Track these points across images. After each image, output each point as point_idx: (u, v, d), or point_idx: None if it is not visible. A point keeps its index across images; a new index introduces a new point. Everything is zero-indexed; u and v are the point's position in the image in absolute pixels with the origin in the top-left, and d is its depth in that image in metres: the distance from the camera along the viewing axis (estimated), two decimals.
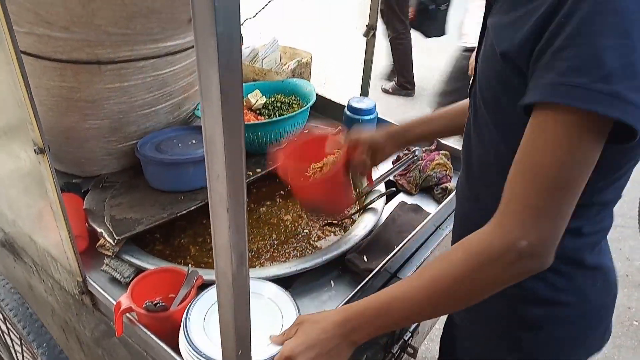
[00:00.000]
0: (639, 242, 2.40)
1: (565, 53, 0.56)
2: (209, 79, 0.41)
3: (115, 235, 1.08)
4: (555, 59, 0.57)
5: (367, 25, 1.52)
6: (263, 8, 1.65)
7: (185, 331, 0.84)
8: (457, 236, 0.97)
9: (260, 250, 1.22)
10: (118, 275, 1.06)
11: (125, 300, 0.89)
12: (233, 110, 0.41)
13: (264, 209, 1.37)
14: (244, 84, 1.62)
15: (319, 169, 1.17)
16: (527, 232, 0.60)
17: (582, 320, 0.81)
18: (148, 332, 0.88)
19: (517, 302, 0.82)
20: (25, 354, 1.28)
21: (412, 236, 1.16)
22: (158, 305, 0.88)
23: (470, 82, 0.82)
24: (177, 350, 0.85)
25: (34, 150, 0.82)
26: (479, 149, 0.80)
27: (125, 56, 1.07)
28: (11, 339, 1.33)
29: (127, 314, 0.92)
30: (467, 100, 0.91)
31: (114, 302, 0.92)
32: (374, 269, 1.07)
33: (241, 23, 1.48)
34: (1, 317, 1.30)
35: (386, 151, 1.13)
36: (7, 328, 1.33)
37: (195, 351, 0.80)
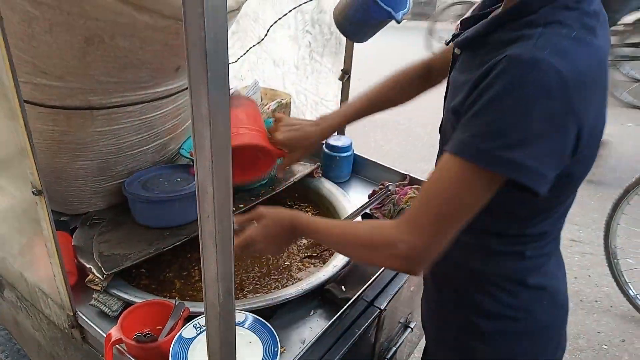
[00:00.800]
0: (606, 269, 2.51)
1: (478, 120, 0.69)
2: (201, 132, 0.49)
3: (104, 271, 1.13)
4: (470, 122, 0.70)
5: (342, 70, 1.64)
6: (244, 54, 1.75)
7: (174, 358, 0.89)
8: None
9: (244, 282, 1.28)
10: (107, 309, 1.11)
11: (115, 332, 0.94)
12: (223, 163, 0.49)
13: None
14: None
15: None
16: (409, 238, 0.75)
17: (530, 337, 0.90)
18: None
19: (471, 314, 0.91)
20: None
21: None
22: (147, 336, 0.93)
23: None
24: None
25: (32, 192, 0.89)
26: None
27: (116, 102, 1.14)
28: None
29: (117, 346, 0.96)
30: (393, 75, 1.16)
31: (104, 335, 0.97)
32: (352, 298, 1.14)
33: None
34: None
35: (311, 139, 1.17)
36: None
37: None
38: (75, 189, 1.33)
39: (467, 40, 0.81)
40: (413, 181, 1.62)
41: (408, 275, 1.33)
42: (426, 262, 0.76)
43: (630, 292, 2.44)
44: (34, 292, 1.13)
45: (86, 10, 0.93)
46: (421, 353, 1.22)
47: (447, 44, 0.91)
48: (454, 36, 0.87)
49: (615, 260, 2.45)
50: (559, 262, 0.94)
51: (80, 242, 1.26)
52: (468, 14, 0.88)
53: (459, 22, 0.88)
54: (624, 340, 2.31)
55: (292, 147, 1.17)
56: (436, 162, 0.96)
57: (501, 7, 0.79)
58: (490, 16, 0.79)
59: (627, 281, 2.46)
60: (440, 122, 0.89)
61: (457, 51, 0.85)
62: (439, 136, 0.91)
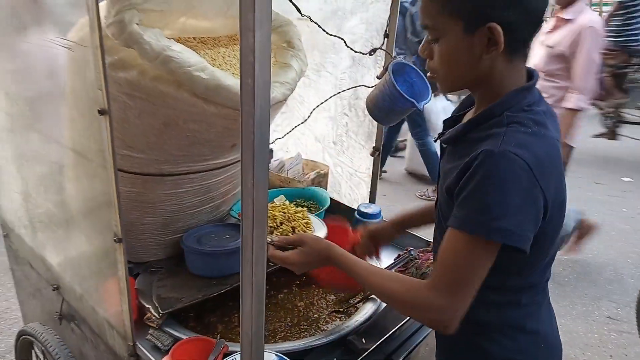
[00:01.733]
0: None
1: (469, 201, 0.88)
2: (248, 196, 0.71)
3: (160, 310, 1.34)
4: (463, 203, 0.89)
5: (373, 147, 1.87)
6: (290, 131, 2.03)
7: None
8: None
9: (276, 330, 1.45)
10: (159, 343, 1.31)
11: None
12: (261, 221, 0.70)
13: (281, 295, 1.61)
14: (270, 190, 1.95)
15: None
16: (440, 303, 0.91)
17: None
18: None
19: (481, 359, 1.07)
20: None
21: (405, 322, 1.38)
22: None
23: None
24: None
25: (114, 239, 1.13)
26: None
27: (183, 170, 1.41)
28: None
29: None
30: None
31: None
32: (369, 349, 1.29)
33: (273, 141, 1.93)
34: None
35: (385, 237, 1.46)
36: None
37: None
38: (141, 240, 1.58)
39: (450, 138, 1.02)
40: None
41: (429, 331, 1.47)
42: (457, 320, 0.91)
43: None
44: (102, 325, 1.35)
45: (168, 102, 1.21)
46: None
47: (435, 140, 1.15)
48: (440, 135, 1.09)
49: None
50: (550, 310, 1.11)
51: (142, 286, 1.49)
52: (448, 116, 1.12)
53: (442, 121, 1.13)
54: None
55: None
56: (435, 231, 1.15)
57: (474, 111, 1.03)
58: (467, 120, 1.01)
59: None
60: (436, 200, 1.10)
61: (444, 145, 1.07)
62: (436, 211, 1.11)
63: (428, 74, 1.04)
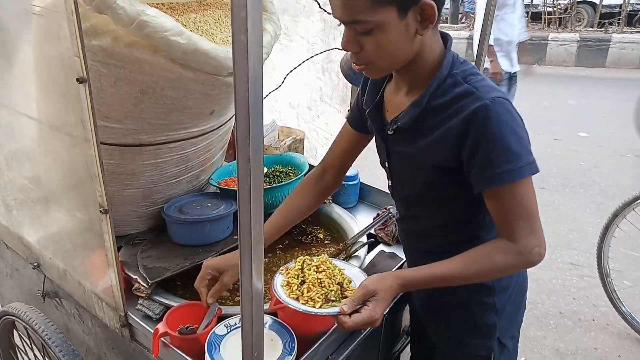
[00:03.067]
0: (603, 290, 2.65)
1: (493, 155, 0.94)
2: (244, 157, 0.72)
3: (148, 280, 1.35)
4: (485, 159, 0.95)
5: (348, 110, 1.88)
6: (264, 97, 2.01)
7: (208, 349, 1.09)
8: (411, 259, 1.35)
9: (265, 293, 1.48)
10: (150, 312, 1.31)
11: (161, 326, 1.15)
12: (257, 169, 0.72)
13: (266, 259, 1.64)
14: None
15: None
16: (536, 242, 0.99)
17: (516, 300, 1.20)
18: (181, 352, 1.13)
19: (475, 294, 1.17)
20: None
21: None
22: (189, 328, 1.14)
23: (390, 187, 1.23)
24: None
25: (100, 210, 1.12)
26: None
27: (161, 140, 1.39)
28: None
29: (162, 339, 1.17)
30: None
31: (151, 331, 1.18)
32: None
33: None
34: (48, 354, 1.53)
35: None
36: None
37: None
38: (121, 213, 1.57)
39: (407, 123, 1.04)
40: None
41: None
42: (545, 247, 1.00)
43: (624, 309, 2.57)
44: (90, 298, 1.35)
45: (144, 69, 1.18)
46: None
47: (381, 132, 1.15)
48: (381, 129, 1.13)
49: (608, 280, 2.60)
50: None
51: (126, 258, 1.49)
52: (368, 109, 1.15)
53: (366, 113, 1.16)
54: (619, 356, 2.43)
55: None
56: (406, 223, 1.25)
57: (407, 89, 1.07)
58: (412, 102, 1.03)
59: (622, 300, 2.59)
60: (400, 193, 1.20)
61: (390, 132, 1.10)
62: (410, 205, 1.19)
63: (356, 66, 1.02)
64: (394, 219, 1.75)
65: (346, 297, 1.10)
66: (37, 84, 1.18)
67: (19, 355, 1.72)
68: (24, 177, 1.38)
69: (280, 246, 1.70)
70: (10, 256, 1.70)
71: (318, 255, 1.23)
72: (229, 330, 1.18)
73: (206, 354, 1.09)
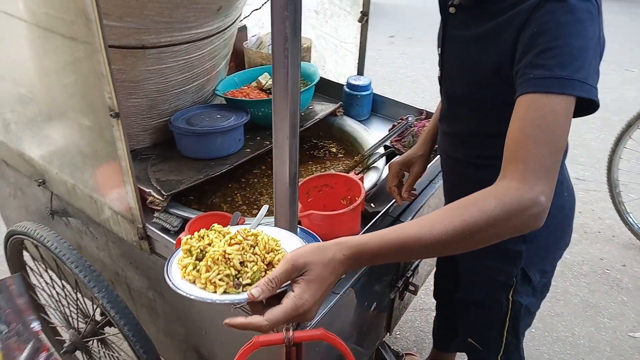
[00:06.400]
0: (609, 204, 2.66)
1: (549, 53, 0.75)
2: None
3: (163, 193, 1.29)
4: (538, 59, 0.76)
5: (361, 12, 1.75)
6: (267, 1, 1.86)
7: None
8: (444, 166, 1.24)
9: None
10: (168, 225, 1.27)
11: (184, 236, 1.10)
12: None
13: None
14: (253, 68, 1.83)
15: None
16: (544, 187, 0.72)
17: (553, 232, 1.08)
18: None
19: None
20: (79, 305, 1.49)
21: None
22: None
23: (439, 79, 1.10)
24: None
25: (110, 114, 1.03)
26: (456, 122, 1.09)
27: (166, 41, 1.27)
28: (65, 294, 1.53)
29: None
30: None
31: (173, 242, 1.14)
32: (380, 212, 1.30)
33: (247, 15, 1.74)
34: (64, 273, 1.50)
35: (421, 164, 1.31)
36: (62, 285, 1.54)
37: None
38: (126, 126, 1.47)
39: (473, 1, 0.92)
40: (430, 115, 1.75)
41: (428, 196, 1.49)
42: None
43: (630, 220, 2.60)
44: (103, 212, 1.29)
45: None
46: None
47: (444, 11, 1.01)
48: (443, 7, 1.00)
49: (617, 191, 2.59)
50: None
51: (136, 173, 1.41)
52: None
53: None
54: (624, 265, 2.49)
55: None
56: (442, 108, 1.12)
57: None
58: None
59: (629, 212, 2.61)
60: (446, 88, 1.06)
61: (452, 10, 0.97)
62: (452, 102, 1.07)
63: None
64: (412, 129, 1.68)
65: None
66: None
67: (32, 278, 1.69)
68: (20, 84, 1.27)
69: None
70: (12, 175, 1.62)
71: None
72: None
73: None
